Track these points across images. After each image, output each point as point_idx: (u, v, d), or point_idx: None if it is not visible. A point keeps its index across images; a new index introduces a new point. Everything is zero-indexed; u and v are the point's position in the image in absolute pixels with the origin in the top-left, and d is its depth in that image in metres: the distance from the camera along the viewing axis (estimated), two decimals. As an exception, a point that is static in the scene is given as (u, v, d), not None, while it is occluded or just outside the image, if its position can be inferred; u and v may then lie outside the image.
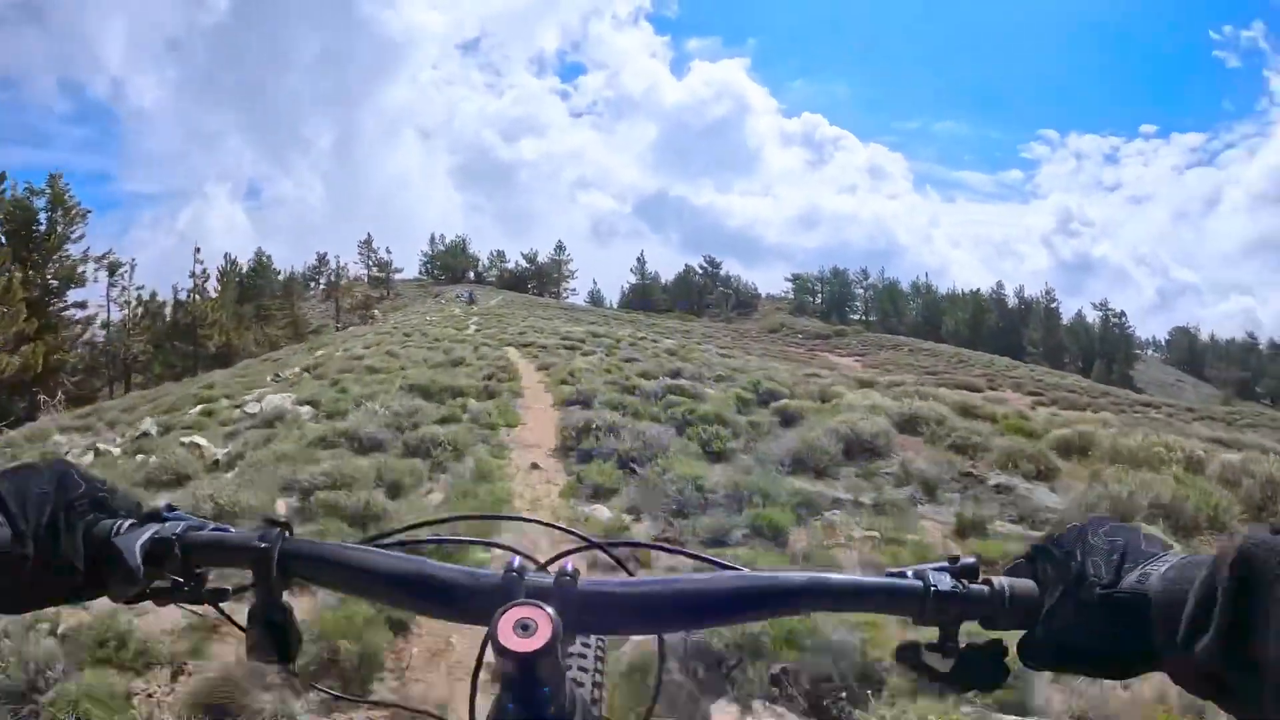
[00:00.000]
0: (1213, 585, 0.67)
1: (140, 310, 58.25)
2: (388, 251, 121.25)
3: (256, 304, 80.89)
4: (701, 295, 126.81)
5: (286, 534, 0.95)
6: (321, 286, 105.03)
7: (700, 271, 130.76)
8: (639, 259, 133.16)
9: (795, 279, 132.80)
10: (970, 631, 0.88)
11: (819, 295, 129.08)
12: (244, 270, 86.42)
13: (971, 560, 0.88)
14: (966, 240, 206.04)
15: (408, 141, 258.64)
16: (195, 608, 0.99)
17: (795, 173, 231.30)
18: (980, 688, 0.88)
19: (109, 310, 57.09)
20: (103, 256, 55.21)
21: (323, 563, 0.95)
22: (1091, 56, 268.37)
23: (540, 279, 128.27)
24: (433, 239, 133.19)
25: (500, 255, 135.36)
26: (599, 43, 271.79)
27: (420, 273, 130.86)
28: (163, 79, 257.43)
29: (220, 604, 1.00)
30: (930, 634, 0.88)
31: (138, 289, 58.65)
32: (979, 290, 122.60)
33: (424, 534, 1.20)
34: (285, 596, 0.95)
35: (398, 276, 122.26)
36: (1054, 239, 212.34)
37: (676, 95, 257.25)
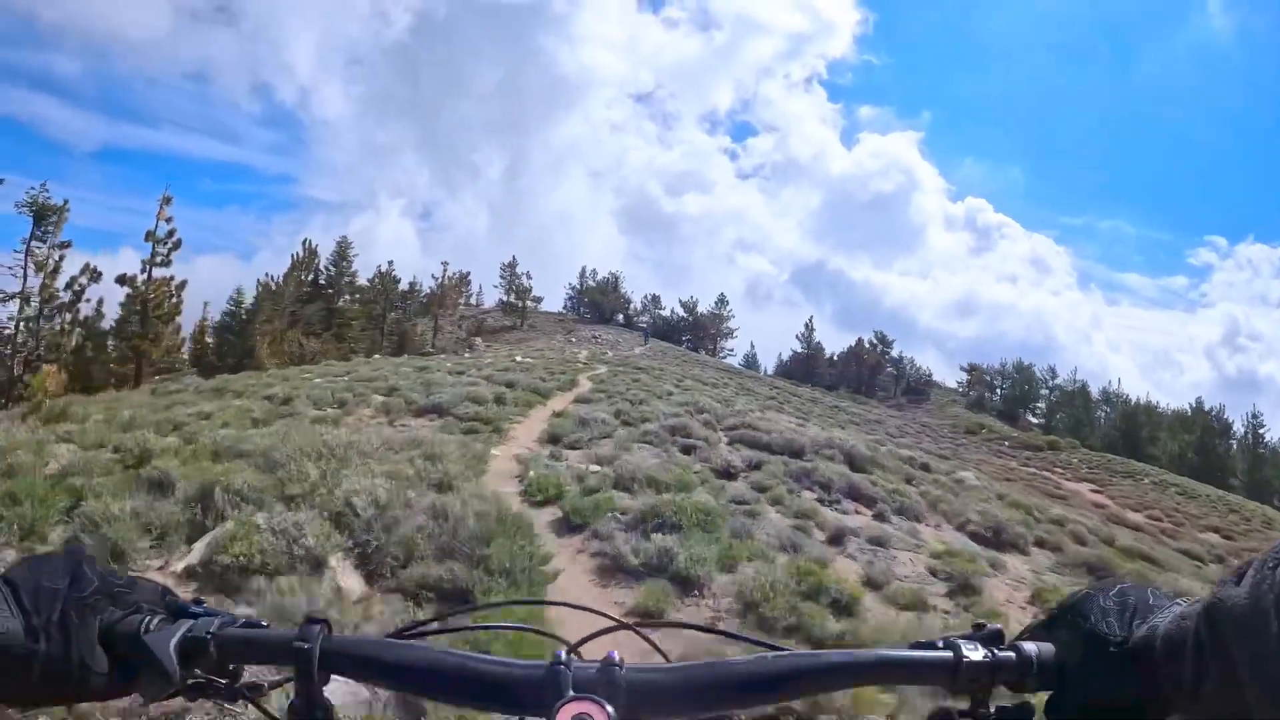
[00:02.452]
0: (1198, 634, 0.71)
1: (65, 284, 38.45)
2: (528, 277, 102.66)
3: (330, 308, 62.63)
4: (873, 374, 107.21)
5: (326, 630, 0.91)
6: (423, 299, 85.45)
7: (869, 347, 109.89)
8: (807, 325, 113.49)
9: (971, 369, 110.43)
10: (997, 694, 0.90)
11: (998, 390, 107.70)
12: (324, 265, 68.26)
13: (997, 627, 0.90)
14: (1126, 345, 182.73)
15: (575, 179, 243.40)
16: (229, 706, 0.88)
17: (956, 256, 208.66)
18: None
19: (25, 277, 37.28)
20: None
21: (365, 660, 0.91)
22: (1266, 160, 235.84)
23: (697, 332, 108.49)
24: (583, 272, 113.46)
25: (655, 300, 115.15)
26: (770, 104, 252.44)
27: (564, 306, 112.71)
28: (347, 92, 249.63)
29: (258, 700, 0.96)
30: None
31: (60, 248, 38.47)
32: (1202, 406, 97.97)
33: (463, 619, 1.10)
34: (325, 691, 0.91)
35: (538, 306, 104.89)
36: (1218, 352, 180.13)
37: (843, 165, 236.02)
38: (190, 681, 0.90)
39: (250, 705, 0.96)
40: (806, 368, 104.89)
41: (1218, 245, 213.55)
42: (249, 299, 55.22)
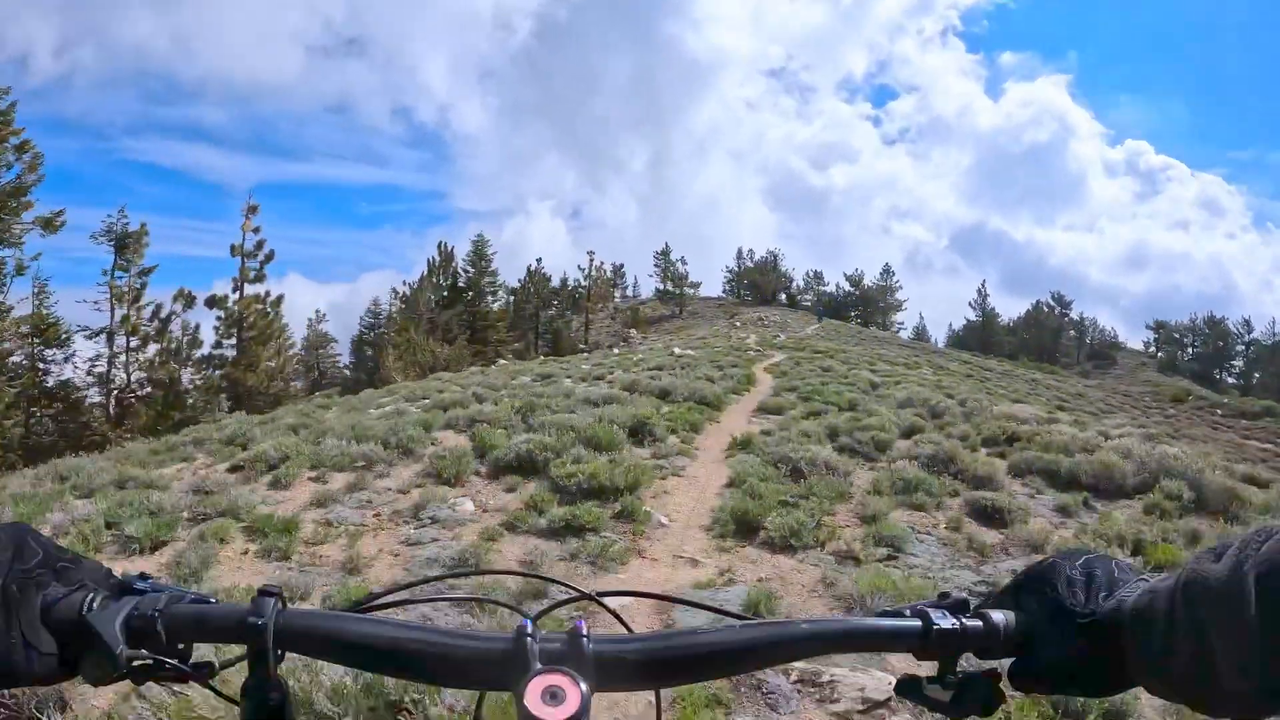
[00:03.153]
0: (1171, 609, 0.71)
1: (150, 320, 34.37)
2: (683, 263, 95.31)
3: (472, 311, 56.73)
4: (1054, 339, 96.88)
5: (281, 604, 0.83)
6: (582, 292, 75.31)
7: (1047, 310, 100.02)
8: (980, 291, 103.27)
9: (1159, 327, 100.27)
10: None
11: (1189, 349, 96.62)
12: (462, 267, 62.03)
13: (964, 595, 0.88)
14: None
15: (718, 162, 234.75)
16: (178, 687, 0.90)
17: (1122, 205, 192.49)
18: (978, 714, 0.86)
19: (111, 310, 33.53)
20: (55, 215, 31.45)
21: (321, 636, 0.83)
22: None
23: (865, 306, 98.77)
24: (739, 253, 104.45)
25: (818, 276, 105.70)
26: (907, 63, 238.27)
27: (723, 290, 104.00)
28: (484, 104, 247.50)
29: (210, 680, 0.86)
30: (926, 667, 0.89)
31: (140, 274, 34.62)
32: None
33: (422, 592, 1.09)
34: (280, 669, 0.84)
35: (696, 292, 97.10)
36: None
37: (992, 118, 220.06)
38: (136, 663, 0.80)
39: (204, 686, 0.88)
40: (982, 337, 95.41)
41: None
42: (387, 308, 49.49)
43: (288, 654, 0.82)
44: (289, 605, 0.84)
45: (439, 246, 60.02)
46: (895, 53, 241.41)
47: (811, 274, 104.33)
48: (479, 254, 63.74)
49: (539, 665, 0.74)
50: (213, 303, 34.88)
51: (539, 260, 72.81)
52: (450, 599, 1.89)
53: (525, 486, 9.53)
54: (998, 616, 0.84)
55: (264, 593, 0.82)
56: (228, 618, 0.82)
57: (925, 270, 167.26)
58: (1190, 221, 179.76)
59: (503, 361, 41.13)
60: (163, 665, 0.80)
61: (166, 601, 0.82)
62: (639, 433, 12.48)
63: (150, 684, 0.86)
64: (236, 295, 35.39)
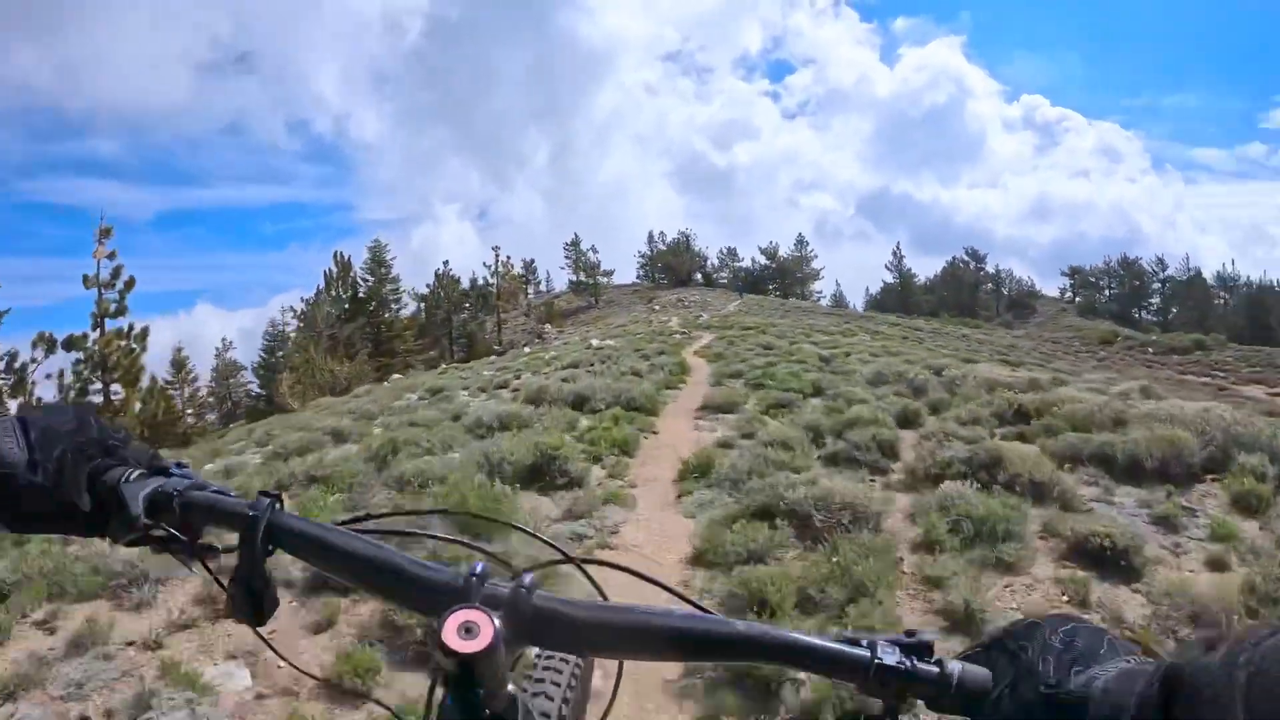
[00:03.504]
0: (1147, 699, 0.65)
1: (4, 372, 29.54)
2: (594, 252, 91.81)
3: (376, 322, 52.68)
4: (974, 293, 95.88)
5: (276, 506, 0.95)
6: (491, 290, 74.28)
7: (963, 266, 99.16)
8: (895, 252, 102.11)
9: (1074, 273, 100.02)
10: (920, 710, 0.88)
11: (1106, 291, 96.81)
12: (361, 276, 57.97)
13: (929, 637, 0.82)
14: (1214, 224, 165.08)
15: (622, 149, 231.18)
16: (184, 560, 1.01)
17: (1023, 159, 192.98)
18: None
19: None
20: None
21: (303, 538, 0.93)
22: None
23: (783, 278, 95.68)
24: (651, 237, 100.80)
25: (732, 253, 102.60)
26: (802, 36, 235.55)
27: (638, 276, 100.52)
28: (381, 111, 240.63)
29: (208, 561, 1.01)
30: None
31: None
32: None
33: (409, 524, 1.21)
34: (268, 563, 0.95)
35: (610, 281, 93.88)
36: None
37: (890, 85, 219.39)
38: (153, 532, 0.96)
39: (201, 564, 1.00)
40: (901, 298, 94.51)
41: None
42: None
43: (278, 551, 0.93)
44: (283, 509, 0.95)
45: (335, 257, 56.06)
46: (789, 27, 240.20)
47: (726, 251, 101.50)
48: (377, 261, 59.74)
49: (474, 603, 0.77)
50: (70, 344, 29.75)
51: (446, 263, 69.08)
52: (441, 538, 1.20)
53: (349, 615, 5.65)
54: (954, 666, 0.79)
55: (264, 494, 0.94)
56: (230, 507, 0.95)
57: (835, 238, 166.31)
58: (1091, 169, 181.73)
59: (396, 376, 37.27)
60: (175, 538, 0.96)
61: (187, 486, 0.97)
62: (543, 473, 8.50)
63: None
64: (96, 333, 30.30)
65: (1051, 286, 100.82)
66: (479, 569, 0.83)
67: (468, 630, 0.74)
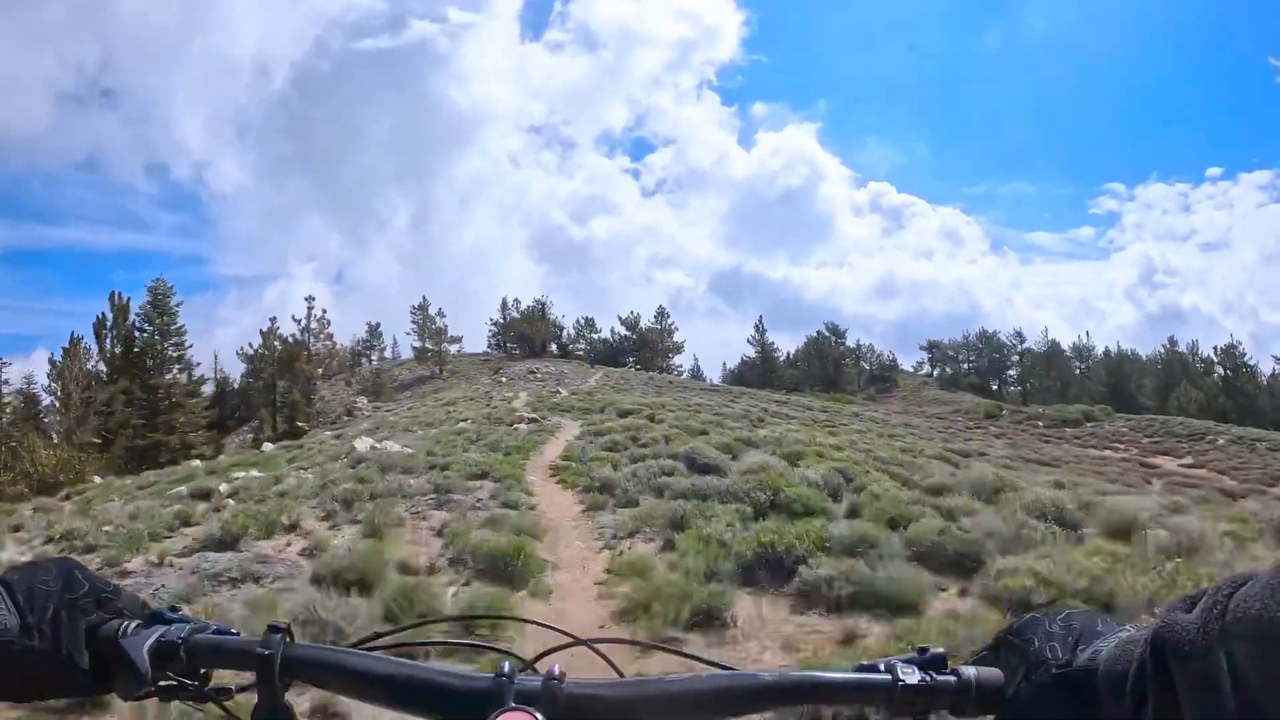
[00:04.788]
0: (1142, 660, 0.67)
1: None
2: (440, 315, 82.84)
3: (150, 385, 39.43)
4: (838, 367, 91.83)
5: (288, 639, 0.91)
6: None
7: (826, 340, 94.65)
8: (758, 327, 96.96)
9: (932, 346, 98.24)
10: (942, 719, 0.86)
11: (965, 364, 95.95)
12: (137, 324, 46.64)
13: (941, 650, 0.84)
14: (1048, 301, 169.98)
15: (482, 216, 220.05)
16: (198, 706, 0.96)
17: (870, 240, 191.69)
18: None
19: None
20: None
21: (322, 667, 0.91)
22: (1149, 103, 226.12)
23: (645, 350, 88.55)
24: (504, 304, 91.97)
25: (589, 323, 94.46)
26: (665, 117, 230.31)
27: (490, 345, 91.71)
28: (243, 161, 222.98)
29: (224, 703, 0.96)
30: None
31: None
32: (1175, 344, 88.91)
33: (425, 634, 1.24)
34: (287, 697, 0.92)
35: (460, 349, 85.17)
36: (1138, 292, 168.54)
37: (746, 167, 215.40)
38: (162, 683, 0.91)
39: (218, 708, 0.96)
40: (763, 371, 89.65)
41: (1117, 192, 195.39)
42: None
43: (296, 683, 0.90)
44: (296, 639, 0.91)
45: (111, 298, 45.07)
46: (653, 105, 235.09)
47: (583, 321, 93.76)
48: (158, 307, 47.76)
49: (511, 704, 0.78)
50: None
51: (273, 320, 57.04)
52: (449, 644, 1.66)
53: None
54: (970, 672, 0.81)
55: (273, 628, 0.90)
56: (241, 647, 0.91)
57: (688, 314, 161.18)
58: (934, 250, 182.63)
59: (201, 462, 26.68)
60: (185, 687, 0.91)
61: (190, 631, 0.92)
62: None
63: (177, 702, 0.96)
64: None
65: (905, 360, 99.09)
66: (506, 668, 0.81)
67: None
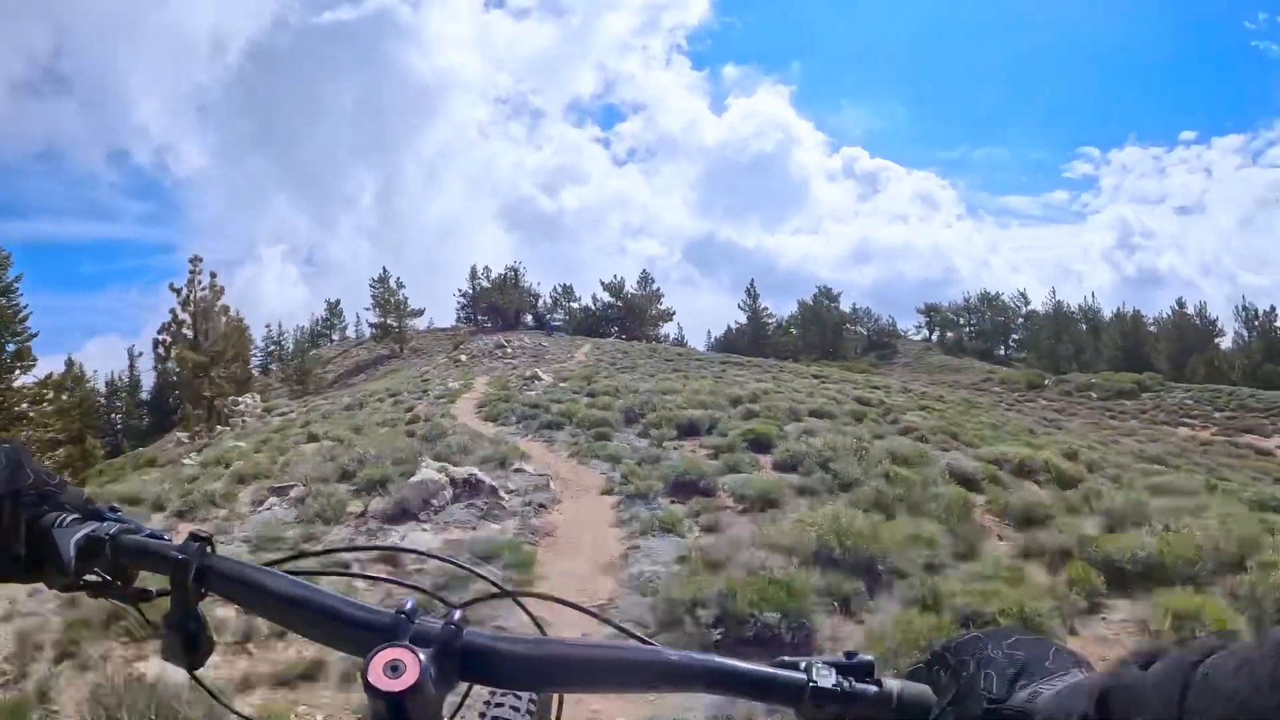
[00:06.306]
0: (1086, 715, 0.61)
1: None
2: (398, 284, 72.75)
3: None
4: (838, 333, 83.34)
5: (208, 549, 0.90)
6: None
7: (825, 305, 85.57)
8: (749, 291, 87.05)
9: (930, 310, 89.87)
10: None
11: (967, 328, 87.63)
12: None
13: (868, 658, 0.78)
14: (1025, 264, 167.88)
15: (451, 188, 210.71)
16: (120, 605, 0.96)
17: (844, 206, 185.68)
18: None
19: None
20: None
21: (235, 580, 0.89)
22: (1123, 66, 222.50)
23: (631, 319, 78.07)
24: (474, 273, 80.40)
25: (567, 291, 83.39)
26: (634, 83, 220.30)
27: (460, 318, 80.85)
28: (205, 143, 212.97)
29: (141, 605, 0.96)
30: None
31: None
32: (1183, 306, 78.31)
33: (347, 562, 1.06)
34: (201, 607, 0.91)
35: (422, 324, 76.12)
36: (1115, 255, 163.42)
37: (718, 132, 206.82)
38: (87, 578, 0.92)
39: (134, 608, 0.96)
40: (754, 339, 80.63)
41: (1091, 156, 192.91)
42: None
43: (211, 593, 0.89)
44: (217, 550, 0.90)
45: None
46: (621, 72, 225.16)
47: (560, 289, 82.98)
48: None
49: (403, 641, 0.75)
50: None
51: (180, 291, 45.79)
52: (374, 577, 1.35)
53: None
54: (893, 685, 0.75)
55: (194, 536, 0.89)
56: (161, 551, 0.89)
57: (663, 283, 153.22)
58: (909, 215, 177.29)
59: None
60: (110, 584, 0.92)
61: (119, 530, 0.92)
62: None
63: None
64: None
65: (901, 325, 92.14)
66: (409, 606, 0.80)
67: (394, 669, 0.71)
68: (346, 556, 2.56)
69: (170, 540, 0.92)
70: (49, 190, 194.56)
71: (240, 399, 34.27)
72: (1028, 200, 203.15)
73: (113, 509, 0.97)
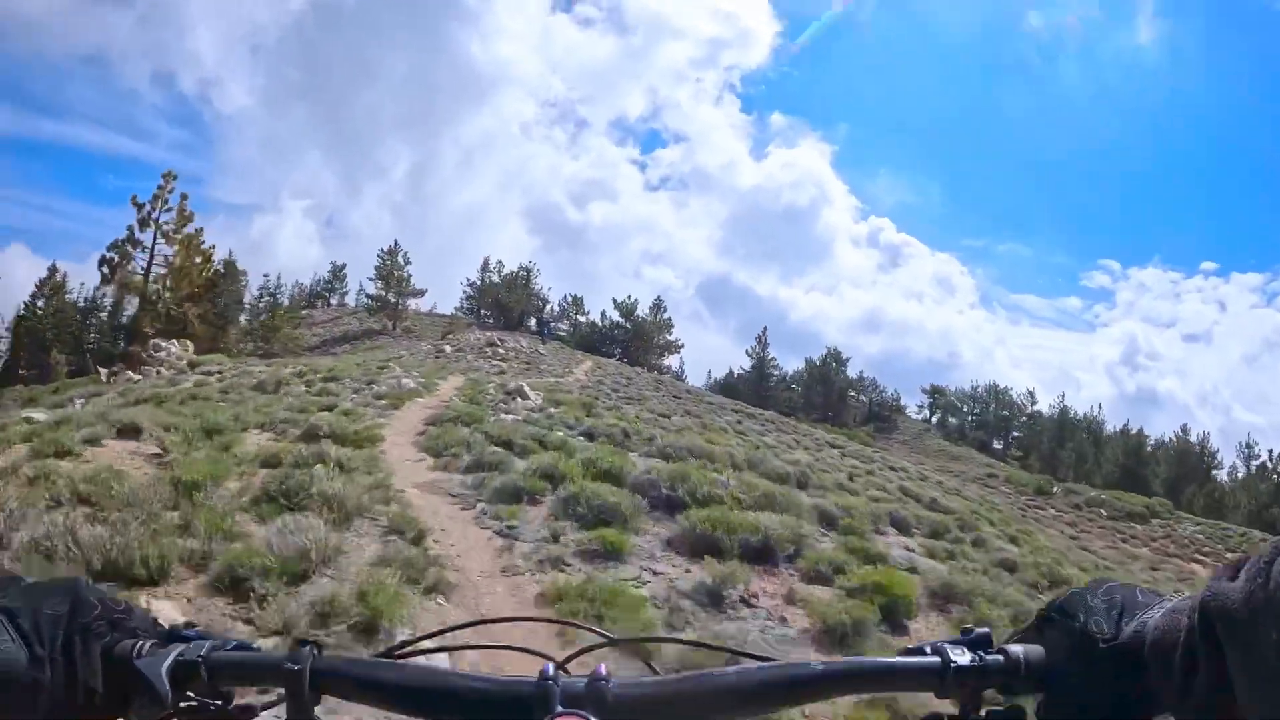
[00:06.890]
0: (1190, 630, 0.66)
1: None
2: (405, 260, 69.92)
3: None
4: (843, 399, 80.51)
5: (317, 651, 0.85)
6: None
7: (831, 367, 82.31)
8: (759, 339, 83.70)
9: (934, 391, 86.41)
10: (988, 698, 0.83)
11: (970, 416, 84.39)
12: None
13: (985, 630, 0.83)
14: (1028, 363, 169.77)
15: (483, 178, 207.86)
16: None
17: (864, 273, 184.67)
18: None
19: None
20: None
21: (355, 680, 0.85)
22: (1160, 187, 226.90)
23: (636, 343, 74.72)
24: (485, 264, 77.69)
25: (577, 302, 79.98)
26: (681, 113, 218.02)
27: (460, 308, 77.75)
28: (250, 85, 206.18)
29: None
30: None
31: None
32: (1187, 433, 75.34)
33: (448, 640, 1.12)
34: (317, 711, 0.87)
35: (430, 307, 75.30)
36: (1118, 370, 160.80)
37: (754, 177, 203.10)
38: (183, 704, 0.84)
39: None
40: (756, 388, 77.00)
41: (1111, 269, 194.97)
42: None
43: (325, 697, 0.84)
44: (324, 652, 0.85)
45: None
46: (671, 100, 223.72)
47: (570, 299, 79.66)
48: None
49: (560, 707, 0.74)
50: None
51: (139, 204, 41.29)
52: (478, 646, 1.25)
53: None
54: (1017, 650, 0.79)
55: (301, 642, 0.85)
56: (267, 663, 0.85)
57: (672, 315, 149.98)
58: (925, 294, 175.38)
59: None
60: (207, 707, 0.84)
61: (210, 649, 0.85)
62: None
63: None
64: None
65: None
66: (549, 670, 0.77)
67: None
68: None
69: (260, 648, 0.87)
70: (89, 97, 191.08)
71: (165, 344, 29.84)
72: (1042, 302, 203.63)
73: (189, 625, 0.89)
